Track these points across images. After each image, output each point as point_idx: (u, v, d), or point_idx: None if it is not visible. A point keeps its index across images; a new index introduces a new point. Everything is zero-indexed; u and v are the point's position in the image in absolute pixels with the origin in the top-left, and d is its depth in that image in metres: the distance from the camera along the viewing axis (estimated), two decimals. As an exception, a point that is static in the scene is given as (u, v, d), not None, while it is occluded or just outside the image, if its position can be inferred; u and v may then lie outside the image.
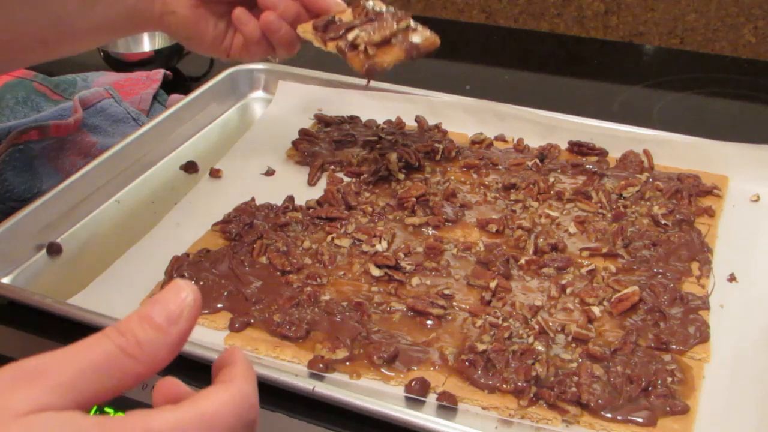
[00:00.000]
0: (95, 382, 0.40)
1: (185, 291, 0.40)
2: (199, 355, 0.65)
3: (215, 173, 0.93)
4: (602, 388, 0.63)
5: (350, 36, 0.78)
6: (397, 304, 0.72)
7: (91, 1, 0.77)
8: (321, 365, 0.66)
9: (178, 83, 1.15)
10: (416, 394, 0.64)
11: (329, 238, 0.81)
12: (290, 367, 0.67)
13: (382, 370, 0.66)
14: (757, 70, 1.19)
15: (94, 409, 0.66)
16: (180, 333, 0.40)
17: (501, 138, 0.97)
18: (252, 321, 0.71)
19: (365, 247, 0.79)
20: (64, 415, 0.39)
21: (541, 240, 0.79)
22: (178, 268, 0.76)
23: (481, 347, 0.66)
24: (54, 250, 0.82)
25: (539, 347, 0.67)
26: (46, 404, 0.39)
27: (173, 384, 0.42)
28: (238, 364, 0.43)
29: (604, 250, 0.78)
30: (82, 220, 0.87)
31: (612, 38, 1.30)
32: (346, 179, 0.91)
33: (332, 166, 0.93)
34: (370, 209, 0.85)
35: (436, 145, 0.93)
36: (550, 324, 0.69)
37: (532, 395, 0.63)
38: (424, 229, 0.82)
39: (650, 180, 0.88)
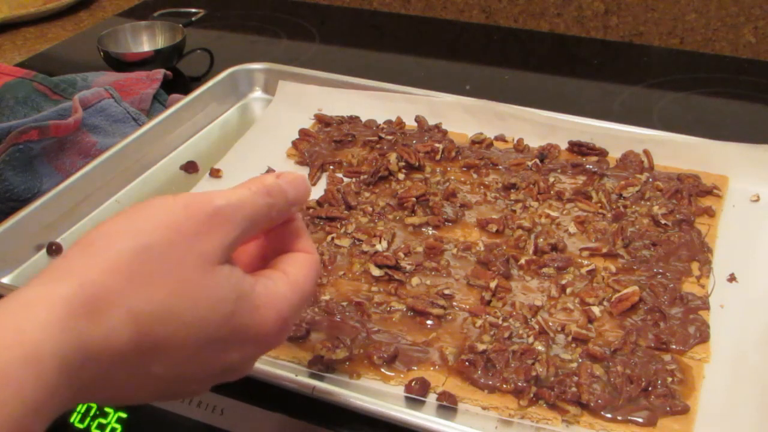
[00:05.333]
0: (248, 236, 0.49)
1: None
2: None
3: (215, 173, 0.93)
4: (602, 388, 0.63)
5: None
6: (397, 304, 0.72)
7: None
8: (321, 365, 0.66)
9: (178, 83, 1.15)
10: (416, 394, 0.64)
11: (329, 238, 0.81)
12: (290, 367, 0.67)
13: (382, 370, 0.66)
14: (757, 70, 1.19)
15: (95, 408, 0.66)
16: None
17: (501, 138, 0.97)
18: (252, 321, 0.71)
19: (365, 247, 0.79)
20: (238, 274, 0.46)
21: (541, 240, 0.79)
22: (178, 268, 0.76)
23: (481, 347, 0.66)
24: (54, 250, 0.82)
25: (539, 347, 0.67)
26: (227, 256, 0.46)
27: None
28: (305, 235, 0.53)
29: (604, 250, 0.78)
30: (82, 220, 0.87)
31: (612, 38, 1.30)
32: (346, 179, 0.91)
33: (332, 166, 0.93)
34: (370, 209, 0.85)
35: (436, 145, 0.93)
36: (550, 324, 0.69)
37: (532, 395, 0.63)
38: (424, 229, 0.82)
39: (650, 180, 0.87)
